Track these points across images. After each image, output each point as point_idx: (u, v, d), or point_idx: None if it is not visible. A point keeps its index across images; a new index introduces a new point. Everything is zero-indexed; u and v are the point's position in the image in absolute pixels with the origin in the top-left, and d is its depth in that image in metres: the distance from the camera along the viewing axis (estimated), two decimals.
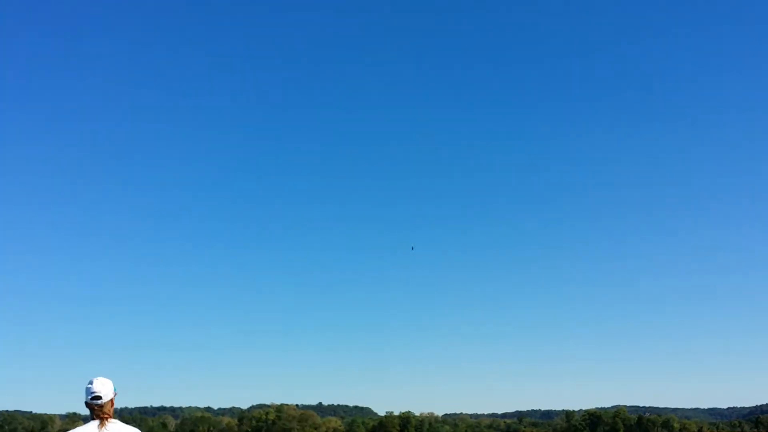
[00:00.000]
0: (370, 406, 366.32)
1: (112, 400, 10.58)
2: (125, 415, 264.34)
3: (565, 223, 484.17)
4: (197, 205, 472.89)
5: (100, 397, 10.43)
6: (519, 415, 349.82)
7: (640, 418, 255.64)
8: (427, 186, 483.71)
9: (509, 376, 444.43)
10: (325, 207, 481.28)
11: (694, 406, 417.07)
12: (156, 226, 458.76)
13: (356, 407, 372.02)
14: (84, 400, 10.51)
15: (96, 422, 10.36)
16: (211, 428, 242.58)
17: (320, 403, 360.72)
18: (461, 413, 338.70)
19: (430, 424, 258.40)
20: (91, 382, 10.54)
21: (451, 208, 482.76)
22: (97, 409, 10.43)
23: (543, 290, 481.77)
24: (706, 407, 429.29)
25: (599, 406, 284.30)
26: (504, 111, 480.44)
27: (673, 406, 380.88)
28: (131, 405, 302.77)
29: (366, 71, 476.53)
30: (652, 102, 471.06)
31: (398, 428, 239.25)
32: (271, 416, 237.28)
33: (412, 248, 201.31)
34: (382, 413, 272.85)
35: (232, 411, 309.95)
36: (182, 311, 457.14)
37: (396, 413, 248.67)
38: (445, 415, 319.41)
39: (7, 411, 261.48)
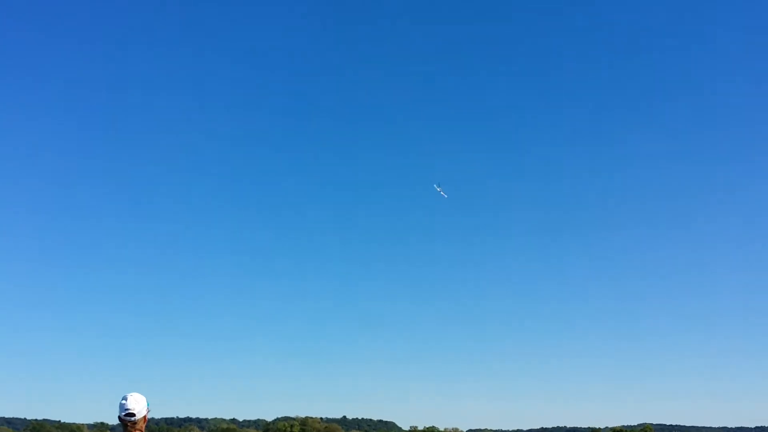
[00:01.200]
0: (394, 421, 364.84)
1: (144, 417, 11.09)
2: (151, 425, 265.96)
3: (591, 237, 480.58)
4: (217, 214, 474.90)
5: (133, 414, 10.92)
6: None
7: None
8: (456, 195, 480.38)
9: (535, 391, 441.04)
10: (344, 220, 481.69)
11: (721, 425, 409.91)
12: (181, 236, 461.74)
13: (380, 421, 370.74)
14: (117, 414, 10.99)
15: None
16: None
17: (344, 417, 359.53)
18: (486, 429, 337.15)
19: None
20: (125, 398, 10.95)
21: (470, 218, 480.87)
22: (129, 426, 10.95)
23: (570, 307, 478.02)
24: (733, 426, 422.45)
25: (625, 424, 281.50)
26: (507, 119, 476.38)
27: (699, 425, 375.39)
28: (157, 416, 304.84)
29: (366, 75, 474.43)
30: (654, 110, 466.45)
31: None
32: (296, 429, 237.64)
33: (439, 188, 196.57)
34: (406, 428, 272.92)
35: (257, 423, 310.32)
36: (209, 322, 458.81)
37: (420, 428, 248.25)
38: (470, 430, 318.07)
39: (36, 420, 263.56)
